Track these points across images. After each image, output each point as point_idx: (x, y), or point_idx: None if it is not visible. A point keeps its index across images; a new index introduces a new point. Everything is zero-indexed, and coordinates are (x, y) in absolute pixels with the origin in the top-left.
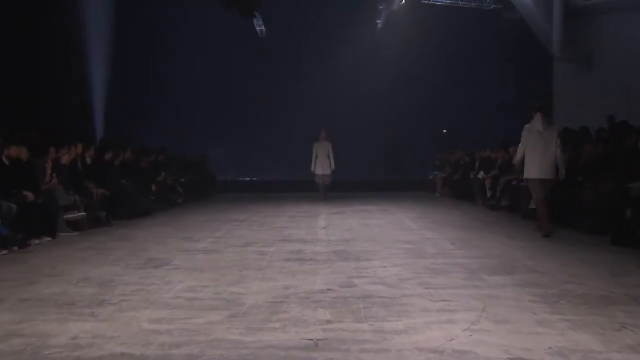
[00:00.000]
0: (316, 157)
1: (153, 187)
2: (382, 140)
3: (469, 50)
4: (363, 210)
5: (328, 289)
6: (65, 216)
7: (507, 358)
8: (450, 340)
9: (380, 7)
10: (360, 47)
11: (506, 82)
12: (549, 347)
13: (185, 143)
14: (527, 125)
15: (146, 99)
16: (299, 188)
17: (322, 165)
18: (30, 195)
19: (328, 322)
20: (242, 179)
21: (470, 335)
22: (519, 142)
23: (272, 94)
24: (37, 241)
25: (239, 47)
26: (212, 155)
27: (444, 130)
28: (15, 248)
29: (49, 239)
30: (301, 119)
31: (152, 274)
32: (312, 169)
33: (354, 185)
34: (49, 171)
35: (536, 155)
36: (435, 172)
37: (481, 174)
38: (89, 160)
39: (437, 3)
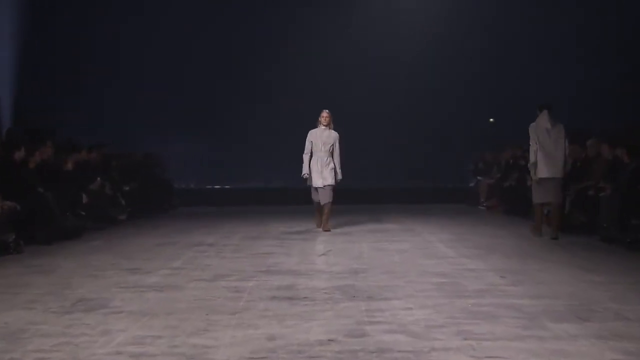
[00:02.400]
0: (311, 155)
1: (84, 198)
2: (405, 135)
3: (525, 8)
4: (378, 229)
5: (329, 340)
6: None
7: None
8: None
9: None
10: (375, 9)
11: (579, 52)
12: None
13: (131, 138)
14: (532, 124)
15: (76, 77)
16: (290, 199)
17: (320, 170)
18: None
19: None
20: (210, 187)
21: None
22: (598, 135)
23: (253, 72)
24: None
25: (207, 7)
26: (168, 154)
27: (491, 120)
28: None
29: None
30: (293, 106)
31: (82, 321)
32: (305, 173)
33: (365, 195)
34: None
35: (547, 154)
36: (479, 178)
37: None
38: None
39: None
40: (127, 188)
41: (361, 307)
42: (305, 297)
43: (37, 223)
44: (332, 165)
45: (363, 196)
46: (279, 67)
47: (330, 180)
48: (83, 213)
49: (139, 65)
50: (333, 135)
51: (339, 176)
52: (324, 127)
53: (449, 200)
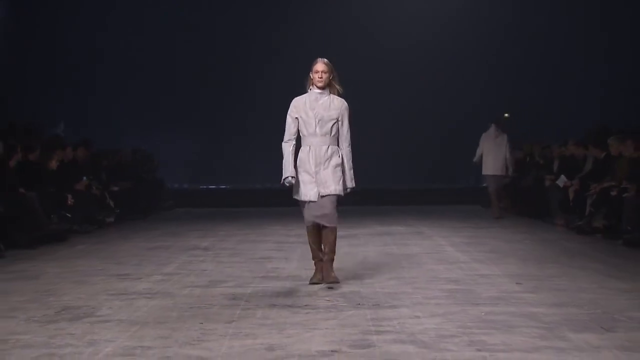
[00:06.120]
0: (293, 150)
1: (70, 199)
2: (416, 133)
3: (547, 4)
4: (385, 232)
5: (332, 351)
6: None
7: None
8: None
9: None
10: (387, 4)
11: (607, 44)
12: None
13: (120, 134)
14: (484, 133)
15: (61, 74)
16: (290, 201)
17: (314, 170)
18: None
19: None
20: (205, 187)
21: None
22: (619, 133)
23: (248, 61)
24: None
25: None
26: (160, 152)
27: (506, 115)
28: None
29: None
30: (291, 97)
31: (67, 331)
32: (287, 177)
33: (372, 196)
34: None
35: (491, 156)
36: (505, 179)
37: (562, 180)
38: None
39: None
40: (115, 188)
41: (367, 315)
42: (306, 305)
43: (19, 226)
44: (336, 159)
45: (369, 197)
46: (278, 62)
47: (334, 187)
48: (68, 215)
49: (128, 60)
50: (336, 104)
51: (350, 183)
52: (319, 92)
53: (460, 202)
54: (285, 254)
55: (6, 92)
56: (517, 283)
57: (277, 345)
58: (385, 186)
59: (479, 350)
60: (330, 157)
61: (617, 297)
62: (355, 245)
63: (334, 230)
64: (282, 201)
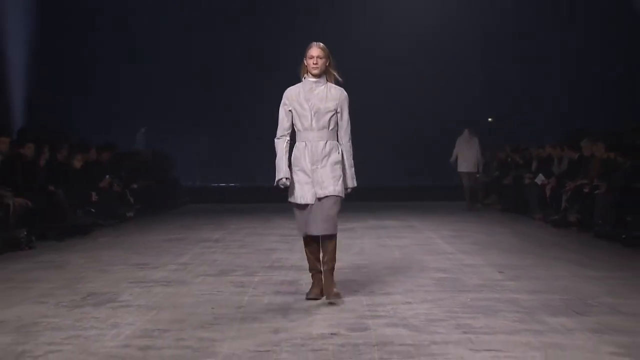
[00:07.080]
0: (287, 148)
1: (94, 196)
2: (406, 132)
3: (533, 10)
4: (380, 226)
5: (332, 334)
6: None
7: None
8: None
9: None
10: (378, 8)
11: (607, 44)
12: None
13: (135, 135)
14: (459, 138)
15: (85, 77)
16: None
17: (310, 169)
18: None
19: None
20: (216, 184)
21: None
22: (594, 136)
23: (257, 66)
24: None
25: (212, 9)
26: (175, 152)
27: (489, 119)
28: None
29: None
30: None
31: (91, 315)
32: (281, 179)
33: (367, 192)
34: None
35: (465, 157)
36: (477, 175)
37: (540, 178)
38: None
39: None
40: (135, 186)
41: (363, 301)
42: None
43: (48, 220)
44: (336, 156)
45: (365, 194)
46: (285, 64)
47: (332, 188)
48: (93, 210)
49: (146, 64)
50: (334, 94)
51: (351, 182)
52: (314, 80)
53: (448, 198)
54: (290, 246)
55: (29, 93)
56: (499, 272)
57: (281, 328)
58: (384, 185)
59: (465, 332)
60: (329, 153)
61: (589, 284)
62: (352, 238)
63: (333, 237)
64: (285, 197)
